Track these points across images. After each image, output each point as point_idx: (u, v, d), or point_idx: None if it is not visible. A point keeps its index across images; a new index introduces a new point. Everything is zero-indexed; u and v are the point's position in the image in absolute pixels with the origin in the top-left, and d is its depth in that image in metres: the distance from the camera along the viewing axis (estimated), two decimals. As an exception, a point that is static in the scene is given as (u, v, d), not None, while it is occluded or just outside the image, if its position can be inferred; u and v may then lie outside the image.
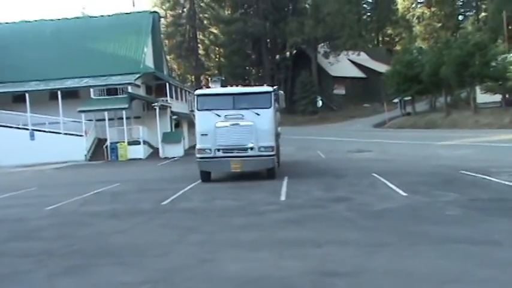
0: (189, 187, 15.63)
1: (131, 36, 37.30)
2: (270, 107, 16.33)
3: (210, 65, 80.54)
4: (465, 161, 19.89)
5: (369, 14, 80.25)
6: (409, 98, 48.50)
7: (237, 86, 20.21)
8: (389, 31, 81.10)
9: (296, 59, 63.73)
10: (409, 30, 75.73)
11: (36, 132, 33.66)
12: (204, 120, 16.35)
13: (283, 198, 12.84)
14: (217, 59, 79.42)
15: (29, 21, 42.09)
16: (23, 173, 25.74)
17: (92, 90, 33.86)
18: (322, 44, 60.23)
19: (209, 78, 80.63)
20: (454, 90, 43.34)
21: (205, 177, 16.85)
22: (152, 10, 40.18)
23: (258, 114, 16.00)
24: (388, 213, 10.32)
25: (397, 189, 13.29)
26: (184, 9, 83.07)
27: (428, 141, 30.64)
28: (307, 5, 57.95)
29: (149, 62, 37.45)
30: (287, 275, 6.48)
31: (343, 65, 61.84)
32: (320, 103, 56.06)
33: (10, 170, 28.28)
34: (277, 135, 18.53)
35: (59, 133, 33.33)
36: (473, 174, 15.72)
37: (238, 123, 15.93)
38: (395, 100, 51.68)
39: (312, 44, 59.35)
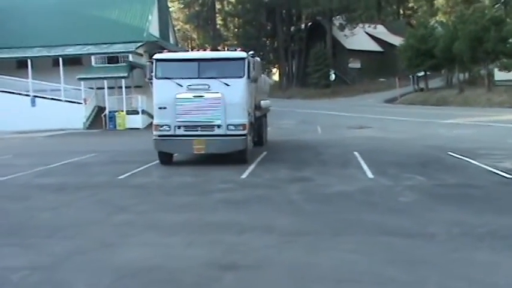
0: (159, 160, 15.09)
1: (136, 3, 36.56)
2: (242, 77, 13.69)
3: (228, 35, 79.32)
4: (459, 142, 19.01)
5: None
6: (422, 73, 46.94)
7: (206, 50, 16.96)
8: (410, 4, 78.46)
9: (311, 31, 62.19)
10: (430, 3, 73.14)
11: (37, 99, 33.53)
12: (162, 91, 13.83)
13: (244, 176, 12.30)
14: (236, 29, 78.17)
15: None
16: (12, 140, 25.67)
17: (92, 57, 33.47)
18: (338, 16, 58.50)
19: (226, 49, 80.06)
20: (467, 66, 41.68)
21: (165, 158, 14.32)
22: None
23: (227, 85, 13.44)
24: (339, 197, 9.72)
25: (367, 171, 12.65)
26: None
27: (433, 119, 29.59)
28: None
29: (154, 30, 36.75)
30: (181, 267, 5.98)
31: (359, 38, 60.12)
32: (333, 76, 54.77)
33: (3, 136, 28.23)
34: (258, 110, 16.85)
35: (60, 100, 33.17)
36: (459, 156, 14.94)
37: (203, 95, 13.44)
38: (419, 74, 49.97)
39: (327, 16, 57.73)
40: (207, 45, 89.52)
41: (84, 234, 7.45)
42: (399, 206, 8.89)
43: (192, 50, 14.30)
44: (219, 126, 13.52)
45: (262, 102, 17.49)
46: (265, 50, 63.57)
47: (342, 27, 57.93)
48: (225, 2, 78.05)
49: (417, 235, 7.11)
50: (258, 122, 17.09)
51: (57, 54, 33.24)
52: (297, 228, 7.57)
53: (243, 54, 14.36)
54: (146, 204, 9.48)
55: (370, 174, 12.13)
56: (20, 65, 34.53)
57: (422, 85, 48.20)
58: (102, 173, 13.25)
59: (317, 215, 8.40)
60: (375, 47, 63.80)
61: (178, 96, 13.45)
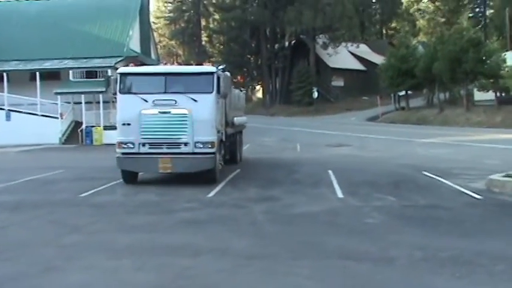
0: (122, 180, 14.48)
1: (117, 19, 36.22)
2: (211, 92, 12.95)
3: (213, 51, 79.27)
4: (436, 161, 18.88)
5: (373, 6, 78.35)
6: (403, 93, 47.16)
7: (179, 64, 16.37)
8: (393, 24, 79.31)
9: (295, 49, 62.37)
10: (412, 24, 74.01)
11: (12, 113, 32.91)
12: (126, 106, 13.04)
13: (211, 194, 11.93)
14: (221, 46, 78.17)
15: (16, 1, 41.21)
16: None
17: (70, 72, 33.03)
18: (321, 35, 58.78)
19: (210, 65, 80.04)
20: (447, 86, 41.97)
21: (128, 177, 13.48)
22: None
23: (195, 101, 12.70)
24: (304, 218, 9.42)
25: (337, 190, 12.39)
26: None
27: (411, 138, 29.53)
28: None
29: (135, 46, 36.42)
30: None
31: (342, 57, 60.47)
32: (316, 94, 54.79)
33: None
34: (231, 126, 16.41)
35: (36, 115, 32.57)
36: (432, 175, 14.77)
37: (169, 111, 12.70)
38: (400, 93, 50.04)
39: (311, 35, 57.98)
40: (192, 62, 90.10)
41: (28, 257, 7.04)
42: (364, 228, 8.60)
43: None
44: (186, 144, 12.79)
45: (236, 119, 17.14)
46: (249, 67, 63.60)
47: (325, 46, 58.21)
48: (211, 19, 78.25)
49: (377, 259, 6.82)
50: (231, 139, 16.74)
51: (34, 68, 32.73)
52: (254, 251, 7.25)
53: (212, 68, 13.82)
54: (102, 223, 9.09)
55: (340, 194, 11.85)
56: (-2, 78, 33.92)
57: (403, 104, 48.38)
58: (65, 190, 12.81)
59: (278, 237, 8.08)
60: (357, 65, 64.18)
61: (143, 112, 12.72)
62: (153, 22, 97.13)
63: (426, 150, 23.35)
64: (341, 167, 17.36)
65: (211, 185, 12.99)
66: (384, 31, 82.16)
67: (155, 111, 12.78)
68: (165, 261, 6.79)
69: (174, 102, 12.80)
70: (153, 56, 40.67)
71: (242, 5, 60.95)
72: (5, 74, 32.99)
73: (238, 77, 78.80)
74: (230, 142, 16.64)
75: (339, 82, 60.86)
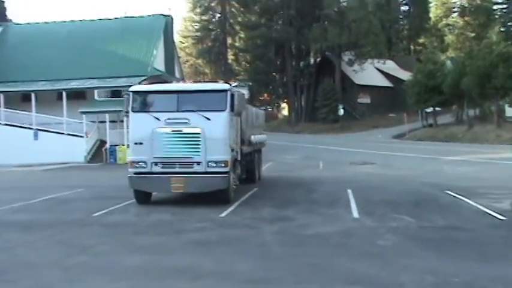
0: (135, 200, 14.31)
1: (142, 38, 36.80)
2: (224, 110, 12.67)
3: (240, 70, 79.59)
4: (461, 179, 18.34)
5: (401, 22, 77.65)
6: (430, 109, 46.27)
7: (196, 82, 15.94)
8: (421, 40, 78.38)
9: (320, 66, 62.16)
10: (440, 39, 73.03)
11: (40, 132, 33.50)
12: (138, 125, 12.91)
13: (224, 214, 11.74)
14: (247, 64, 78.49)
15: (47, 23, 42.24)
16: (10, 174, 25.48)
17: (96, 91, 33.53)
18: (347, 52, 58.45)
19: (236, 84, 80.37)
20: (477, 103, 41.04)
21: (141, 197, 13.29)
22: (166, 14, 39.57)
23: (208, 119, 12.45)
24: (315, 240, 9.14)
25: (354, 210, 12.06)
26: (216, 14, 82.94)
27: (438, 156, 28.85)
28: (333, 11, 56.16)
29: (159, 65, 36.85)
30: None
31: (369, 73, 59.88)
32: (342, 111, 54.29)
33: (4, 169, 28.08)
34: (248, 145, 16.24)
35: (62, 134, 33.09)
36: (455, 194, 14.31)
37: (181, 129, 12.50)
38: (428, 110, 49.21)
39: (336, 51, 57.73)
40: (218, 80, 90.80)
41: (30, 278, 6.97)
42: (376, 250, 8.28)
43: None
44: (198, 163, 12.50)
45: (253, 137, 16.95)
46: (275, 84, 63.56)
47: (350, 63, 57.81)
48: (237, 38, 78.72)
49: (385, 284, 6.53)
50: (247, 158, 16.53)
51: (60, 88, 33.38)
52: (257, 275, 7.02)
53: (225, 86, 13.58)
54: (110, 244, 8.97)
55: (356, 214, 11.53)
56: (25, 98, 34.68)
57: (431, 121, 47.49)
58: (80, 209, 12.80)
59: (285, 259, 7.83)
60: (384, 82, 63.44)
61: (155, 130, 12.50)
62: (180, 41, 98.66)
63: (452, 168, 22.74)
64: (361, 186, 17.03)
65: (225, 204, 12.81)
66: (412, 47, 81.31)
67: (167, 129, 12.60)
68: (165, 285, 6.65)
69: (186, 120, 12.61)
70: (177, 74, 41.08)
71: (267, 23, 61.14)
72: (33, 94, 33.70)
73: (265, 95, 79.10)
74: (247, 161, 16.44)
75: (365, 99, 60.21)
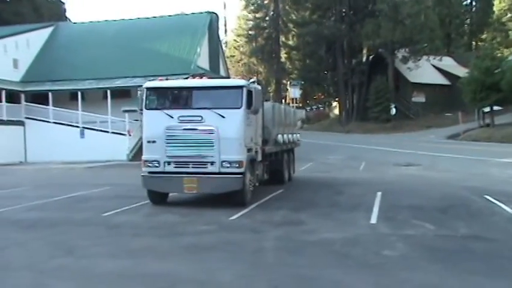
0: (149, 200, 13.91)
1: (186, 36, 36.81)
2: (240, 107, 12.12)
3: (292, 68, 78.83)
4: (505, 183, 17.19)
5: (461, 16, 74.26)
6: (488, 108, 43.75)
7: (210, 78, 14.75)
8: (484, 35, 74.74)
9: (373, 64, 60.32)
10: (504, 34, 69.34)
11: (86, 131, 34.16)
12: (151, 123, 12.53)
13: (235, 217, 11.23)
14: (301, 63, 77.61)
15: (96, 22, 43.18)
16: (52, 171, 25.97)
17: (139, 90, 33.72)
18: (401, 48, 56.38)
19: (289, 82, 79.59)
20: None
21: (155, 198, 12.94)
22: (211, 11, 39.41)
23: (222, 117, 11.95)
24: (316, 247, 8.47)
25: (374, 215, 11.29)
26: (269, 12, 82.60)
27: (489, 157, 27.18)
28: (386, 5, 54.26)
29: (203, 63, 36.78)
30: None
31: (424, 71, 57.56)
32: (394, 111, 52.54)
33: (47, 166, 28.81)
34: (274, 145, 15.43)
35: (107, 132, 33.60)
36: (493, 200, 13.31)
37: (195, 127, 12.01)
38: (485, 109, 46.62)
39: (389, 48, 55.86)
40: (271, 79, 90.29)
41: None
42: (377, 261, 7.54)
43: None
44: (212, 163, 12.02)
45: (281, 137, 16.34)
46: (326, 83, 62.37)
47: (405, 60, 55.79)
48: (290, 36, 77.92)
49: (369, 302, 5.81)
50: (272, 158, 15.91)
51: (105, 86, 33.89)
52: (235, 285, 6.47)
53: (241, 82, 12.95)
54: (102, 246, 8.66)
55: (373, 220, 10.74)
56: (73, 96, 35.45)
57: (488, 120, 45.03)
58: (93, 208, 12.63)
59: (274, 269, 7.23)
60: (441, 80, 60.93)
61: (168, 128, 12.15)
62: (235, 40, 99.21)
63: (501, 171, 21.26)
64: (394, 189, 16.13)
65: (241, 206, 12.29)
66: (474, 43, 77.84)
67: (180, 128, 12.19)
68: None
69: (200, 118, 12.14)
70: (222, 72, 40.90)
71: (319, 19, 60.03)
72: (79, 93, 34.39)
73: (319, 94, 77.88)
74: (271, 161, 15.83)
75: (419, 98, 57.98)
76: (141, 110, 12.93)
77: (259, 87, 13.76)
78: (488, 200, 13.52)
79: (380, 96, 54.32)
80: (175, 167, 12.31)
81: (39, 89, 35.65)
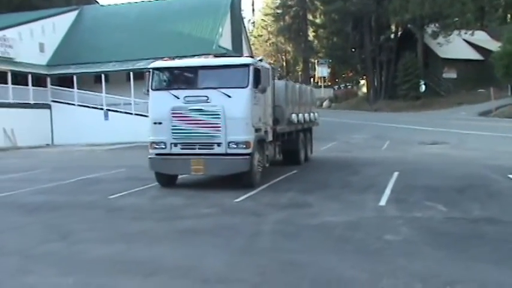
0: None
1: (208, 16, 36.40)
2: (246, 86, 11.75)
3: (320, 46, 77.59)
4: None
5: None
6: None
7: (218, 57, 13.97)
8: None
9: (401, 40, 58.56)
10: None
11: (110, 113, 34.35)
12: (158, 104, 12.26)
13: (239, 199, 10.93)
14: (328, 41, 76.27)
15: (120, 4, 43.15)
16: (74, 153, 26.14)
17: (145, 71, 33.61)
18: (431, 23, 54.60)
19: (316, 61, 78.45)
20: None
21: (163, 180, 12.78)
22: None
23: (229, 96, 11.61)
24: (316, 231, 8.11)
25: (385, 196, 10.85)
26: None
27: (521, 135, 26.18)
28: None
29: (225, 43, 36.33)
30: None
31: (455, 46, 55.68)
32: (423, 88, 51.09)
33: (70, 148, 29.09)
34: (288, 124, 15.03)
35: (131, 114, 33.69)
36: (519, 179, 12.62)
37: (200, 108, 11.71)
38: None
39: (418, 23, 54.15)
40: (299, 58, 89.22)
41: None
42: (376, 246, 7.14)
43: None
44: (219, 144, 11.76)
45: (295, 116, 15.92)
46: (353, 61, 61.07)
47: (434, 35, 54.07)
48: (317, 13, 76.54)
49: (359, 292, 5.45)
50: (285, 138, 15.52)
51: (128, 68, 33.86)
52: (220, 273, 6.19)
53: (248, 60, 12.45)
54: (97, 231, 8.50)
55: (383, 202, 10.30)
56: (97, 79, 35.62)
57: (524, 96, 43.42)
58: (101, 191, 12.52)
59: (266, 255, 6.91)
60: (474, 55, 58.94)
61: (173, 109, 11.90)
62: (262, 19, 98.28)
63: (531, 149, 20.40)
64: (413, 168, 15.61)
65: (249, 188, 12.00)
66: (510, 16, 74.91)
67: (186, 108, 11.91)
68: (111, 281, 6.01)
69: (205, 98, 11.81)
70: (245, 52, 40.40)
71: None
72: (103, 75, 34.52)
73: (348, 72, 76.50)
74: (284, 141, 15.45)
75: (451, 74, 56.34)
76: (148, 91, 12.64)
77: (268, 65, 13.35)
78: (511, 179, 12.91)
79: (409, 73, 52.89)
80: (182, 149, 12.08)
81: (65, 72, 35.95)
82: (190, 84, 12.49)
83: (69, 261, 6.78)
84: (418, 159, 18.54)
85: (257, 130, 12.37)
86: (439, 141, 25.54)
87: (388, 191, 11.45)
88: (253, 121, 12.11)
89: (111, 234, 8.24)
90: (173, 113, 11.98)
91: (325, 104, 63.61)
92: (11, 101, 32.85)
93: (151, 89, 12.63)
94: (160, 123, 12.18)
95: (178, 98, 12.01)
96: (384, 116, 47.18)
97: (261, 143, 12.67)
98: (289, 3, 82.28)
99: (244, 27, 45.16)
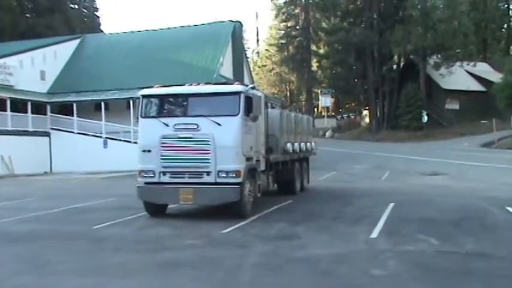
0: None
1: (209, 46, 36.55)
2: (237, 115, 11.55)
3: (323, 77, 77.82)
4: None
5: (501, 21, 71.76)
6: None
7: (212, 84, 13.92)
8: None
9: (404, 71, 58.65)
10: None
11: (109, 141, 34.22)
12: (147, 131, 12.12)
13: (227, 230, 10.60)
14: (331, 71, 76.58)
15: (121, 33, 43.49)
16: (70, 181, 25.92)
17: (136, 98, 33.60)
18: (433, 54, 54.71)
19: (319, 91, 78.56)
20: None
21: (152, 209, 12.45)
22: (234, 20, 39.12)
23: (219, 125, 11.44)
24: (299, 265, 7.76)
25: (377, 229, 10.50)
26: (299, 21, 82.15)
27: (522, 166, 25.80)
28: (417, 11, 52.90)
29: (227, 72, 36.39)
30: None
31: (458, 77, 55.68)
32: (425, 118, 50.86)
33: (67, 176, 28.86)
34: (282, 153, 14.77)
35: (130, 142, 33.52)
36: (515, 211, 12.24)
37: (190, 136, 11.49)
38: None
39: (421, 54, 54.30)
40: (302, 88, 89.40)
41: None
42: (361, 282, 6.80)
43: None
44: (208, 173, 11.45)
45: (291, 145, 15.67)
46: (356, 91, 61.15)
47: (437, 66, 54.11)
48: (321, 44, 77.01)
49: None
50: (281, 168, 15.24)
51: (127, 96, 33.82)
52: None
53: (239, 87, 12.21)
54: (73, 263, 8.18)
55: (374, 234, 9.95)
56: (97, 107, 35.61)
57: (525, 127, 43.11)
58: (87, 221, 12.20)
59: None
60: (476, 86, 58.87)
61: (163, 137, 11.67)
62: (266, 50, 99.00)
63: (532, 181, 20.02)
64: (409, 199, 15.26)
65: (240, 218, 11.68)
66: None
67: (175, 136, 11.68)
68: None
69: (196, 126, 11.60)
70: (247, 81, 40.44)
71: (347, 27, 59.01)
72: (102, 104, 34.51)
73: (352, 103, 76.36)
74: (279, 170, 15.16)
75: (453, 105, 56.20)
76: (137, 118, 12.46)
77: (259, 93, 13.14)
78: (508, 211, 12.58)
79: (411, 103, 52.78)
80: (171, 177, 11.81)
81: (65, 100, 36.00)
82: (180, 111, 12.31)
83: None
84: (416, 190, 18.19)
85: (248, 159, 12.10)
86: (440, 172, 25.17)
87: (381, 223, 11.11)
88: (244, 150, 11.85)
89: (87, 267, 7.91)
90: (162, 141, 11.75)
91: (328, 133, 63.46)
92: (9, 128, 32.78)
93: (141, 116, 12.49)
94: (149, 151, 11.96)
95: (167, 126, 11.80)
96: (386, 146, 46.89)
97: (252, 172, 12.39)
98: (293, 33, 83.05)
99: (246, 56, 45.37)
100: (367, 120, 64.66)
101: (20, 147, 32.69)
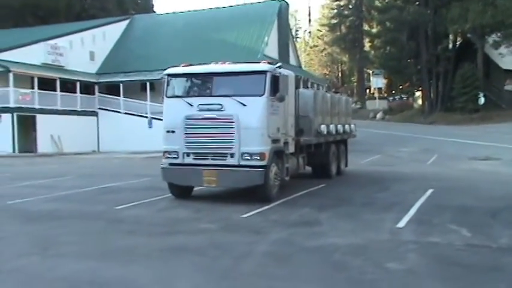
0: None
1: (254, 25, 36.10)
2: (262, 95, 11.05)
3: (375, 57, 75.75)
4: None
5: None
6: None
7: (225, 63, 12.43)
8: None
9: (460, 50, 56.01)
10: None
11: (154, 121, 34.46)
12: (171, 112, 11.76)
13: (249, 214, 10.21)
14: (382, 50, 74.28)
15: (168, 14, 43.57)
16: (112, 160, 26.25)
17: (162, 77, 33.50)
18: (492, 33, 51.87)
19: (371, 72, 76.47)
20: None
21: (176, 191, 12.20)
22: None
23: (244, 105, 10.97)
24: (312, 255, 7.28)
25: (406, 217, 9.83)
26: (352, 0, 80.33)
27: None
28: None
29: (272, 52, 35.83)
30: None
31: (518, 57, 52.85)
32: (482, 100, 48.48)
33: (111, 155, 29.24)
34: (315, 136, 14.20)
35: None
36: None
37: (214, 116, 11.12)
38: None
39: (479, 33, 51.60)
40: (354, 68, 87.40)
41: None
42: (373, 277, 6.25)
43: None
44: (232, 155, 11.10)
45: (325, 127, 15.02)
46: (408, 71, 58.96)
47: (496, 45, 51.32)
48: (374, 23, 74.80)
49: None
50: (312, 150, 14.65)
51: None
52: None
53: (265, 66, 11.54)
54: (82, 244, 8.03)
55: (402, 223, 9.29)
56: (143, 87, 35.92)
57: None
58: (111, 201, 12.10)
59: (244, 280, 6.21)
60: (539, 66, 55.66)
61: (186, 117, 11.34)
62: (318, 30, 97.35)
63: None
64: (451, 186, 14.38)
65: (265, 202, 11.27)
66: None
67: (199, 117, 11.32)
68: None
69: (220, 106, 11.18)
70: (293, 61, 39.73)
71: (401, 4, 56.79)
72: (148, 84, 34.73)
73: (405, 84, 73.94)
74: (311, 153, 14.58)
75: (513, 86, 53.38)
76: (163, 98, 12.17)
77: (287, 72, 12.54)
78: (558, 202, 11.56)
79: (467, 84, 50.38)
80: (195, 159, 11.52)
81: (112, 80, 36.52)
82: (205, 91, 11.96)
83: (29, 279, 6.32)
84: (462, 175, 17.20)
85: (274, 141, 11.60)
86: (492, 156, 23.83)
87: (413, 211, 10.42)
88: (270, 131, 11.37)
89: (93, 250, 7.73)
90: (186, 122, 11.45)
91: (378, 115, 61.86)
92: (59, 107, 33.56)
93: (166, 96, 12.16)
94: (173, 131, 11.68)
95: (192, 106, 11.48)
96: (438, 129, 45.16)
97: (279, 154, 11.89)
98: (345, 13, 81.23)
99: (293, 36, 44.57)
100: (419, 102, 62.51)
101: (69, 126, 33.48)
